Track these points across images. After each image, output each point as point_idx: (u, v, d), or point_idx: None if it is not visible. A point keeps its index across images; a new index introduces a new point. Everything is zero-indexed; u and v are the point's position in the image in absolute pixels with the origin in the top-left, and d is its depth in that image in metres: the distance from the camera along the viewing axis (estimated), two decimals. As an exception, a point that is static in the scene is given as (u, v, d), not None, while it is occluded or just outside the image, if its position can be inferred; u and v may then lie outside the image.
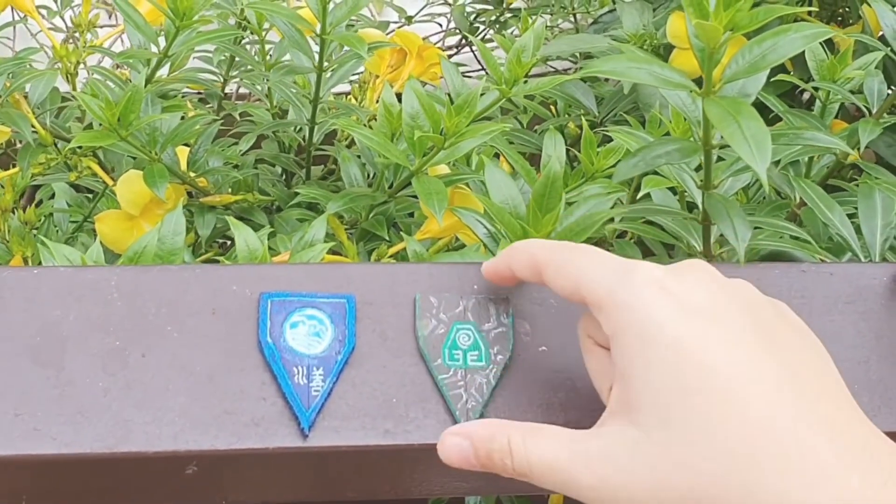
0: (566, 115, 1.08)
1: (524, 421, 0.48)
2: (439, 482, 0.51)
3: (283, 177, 1.01)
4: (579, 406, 0.50)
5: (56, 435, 0.45)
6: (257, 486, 0.50)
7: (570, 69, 1.34)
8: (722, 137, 0.52)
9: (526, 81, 0.73)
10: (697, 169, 0.61)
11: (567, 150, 0.97)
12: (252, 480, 0.49)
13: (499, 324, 0.51)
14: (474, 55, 1.54)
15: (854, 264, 0.58)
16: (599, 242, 0.87)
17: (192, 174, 0.86)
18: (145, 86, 0.83)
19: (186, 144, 0.86)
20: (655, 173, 0.64)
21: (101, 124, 0.75)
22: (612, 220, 0.80)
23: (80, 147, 0.84)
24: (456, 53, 1.58)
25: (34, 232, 0.94)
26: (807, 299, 0.55)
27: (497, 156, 0.86)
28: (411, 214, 0.88)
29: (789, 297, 0.55)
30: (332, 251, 0.80)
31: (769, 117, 0.87)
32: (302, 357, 0.50)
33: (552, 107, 1.13)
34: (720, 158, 0.68)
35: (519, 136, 1.02)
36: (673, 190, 0.71)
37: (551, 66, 1.36)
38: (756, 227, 0.65)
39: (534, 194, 0.58)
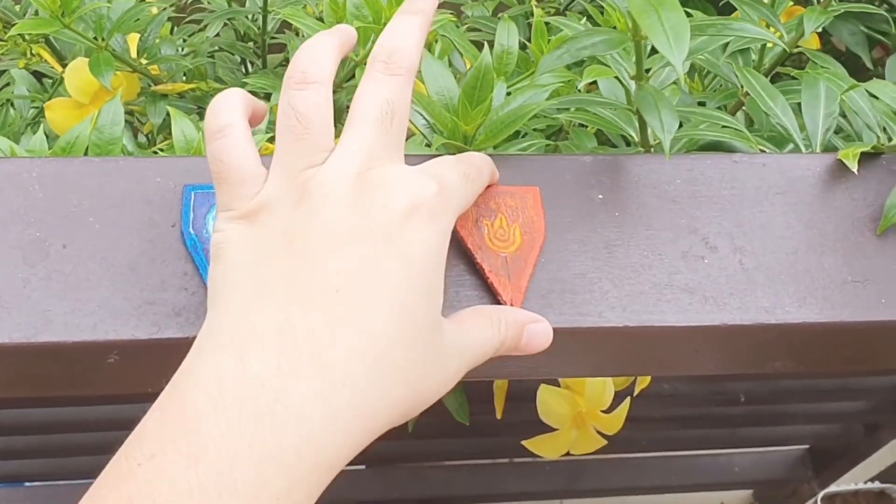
0: (530, 3, 1.06)
1: (452, 307, 0.49)
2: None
3: (242, 65, 1.00)
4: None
5: (-26, 325, 0.46)
6: (182, 374, 0.50)
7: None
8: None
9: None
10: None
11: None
12: (175, 370, 0.50)
13: None
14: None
15: (788, 155, 0.58)
16: (558, 131, 0.87)
17: (144, 61, 0.85)
18: (91, -29, 0.81)
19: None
20: (600, 62, 0.63)
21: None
22: (567, 109, 0.80)
23: (25, 35, 0.82)
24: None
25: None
26: (738, 190, 0.56)
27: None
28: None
29: (720, 187, 0.55)
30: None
31: (720, 5, 0.86)
32: (225, 248, 0.50)
33: (518, -8, 1.11)
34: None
35: (484, 23, 1.00)
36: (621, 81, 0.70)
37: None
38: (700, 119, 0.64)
39: (464, 87, 0.57)
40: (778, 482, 1.43)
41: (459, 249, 0.51)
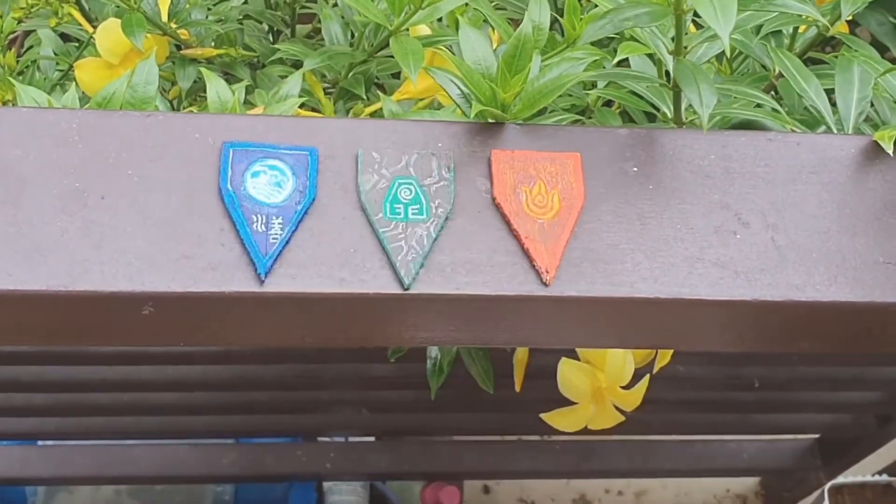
0: (560, -19, 1.06)
1: (484, 272, 0.49)
2: (396, 332, 0.52)
3: (270, 34, 1.00)
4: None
5: (12, 272, 0.46)
6: (214, 330, 0.51)
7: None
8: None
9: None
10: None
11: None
12: (209, 325, 0.50)
13: (440, 178, 0.52)
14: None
15: (822, 135, 0.58)
16: (583, 111, 0.87)
17: (174, 25, 0.85)
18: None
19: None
20: (634, 39, 0.63)
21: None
22: (594, 86, 0.80)
23: (56, -8, 0.83)
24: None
25: (19, 78, 0.94)
26: (771, 168, 0.56)
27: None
28: (397, 76, 0.88)
29: (754, 164, 0.55)
30: (311, 109, 0.80)
31: (755, -13, 0.85)
32: (262, 205, 0.50)
33: (547, -28, 1.11)
34: (699, 26, 0.67)
35: (511, 2, 1.00)
36: (654, 58, 0.70)
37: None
38: (732, 96, 0.64)
39: (504, 55, 0.57)
40: (786, 471, 1.43)
41: (497, 215, 0.51)
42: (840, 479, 1.41)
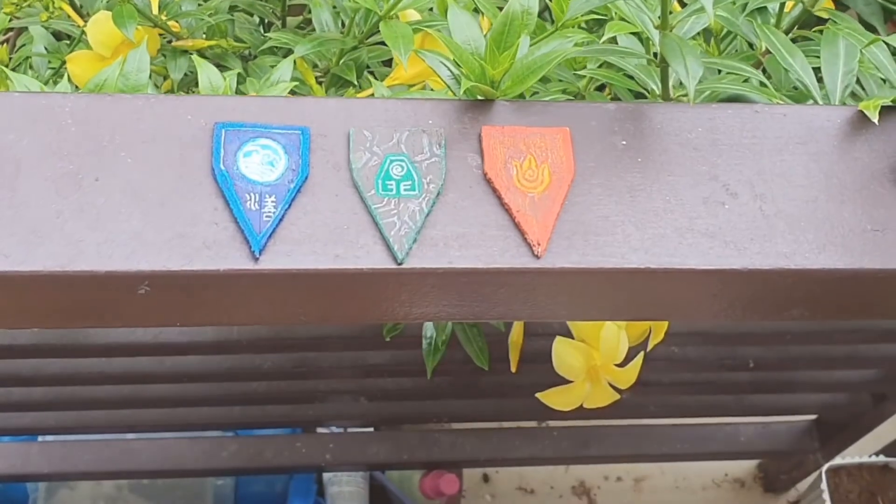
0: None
1: (477, 245, 0.50)
2: (390, 308, 0.52)
3: (261, 26, 1.01)
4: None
5: (9, 253, 0.46)
6: (210, 309, 0.51)
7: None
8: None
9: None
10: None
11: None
12: (205, 303, 0.51)
13: (431, 154, 0.52)
14: None
15: (809, 106, 0.59)
16: (576, 96, 0.87)
17: (165, 17, 0.86)
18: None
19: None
20: (622, 20, 0.64)
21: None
22: (584, 66, 0.80)
23: (49, -14, 0.83)
24: None
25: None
26: (758, 139, 0.56)
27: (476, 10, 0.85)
28: (388, 64, 0.88)
29: (741, 136, 0.56)
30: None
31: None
32: (255, 184, 0.51)
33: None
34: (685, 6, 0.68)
35: (500, -11, 1.01)
36: (641, 38, 0.71)
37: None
38: (720, 71, 0.65)
39: (492, 33, 0.58)
40: (783, 454, 1.44)
41: (488, 190, 0.52)
42: (837, 461, 1.42)
